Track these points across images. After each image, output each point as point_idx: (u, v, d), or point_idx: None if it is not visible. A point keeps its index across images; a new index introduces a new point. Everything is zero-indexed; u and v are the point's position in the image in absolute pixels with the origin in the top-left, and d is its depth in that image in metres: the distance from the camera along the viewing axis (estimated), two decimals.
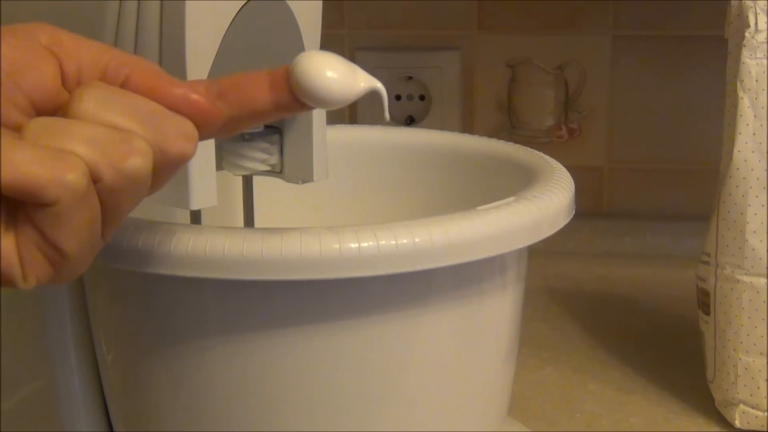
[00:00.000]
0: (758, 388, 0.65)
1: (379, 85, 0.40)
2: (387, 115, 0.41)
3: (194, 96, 0.37)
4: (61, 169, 0.32)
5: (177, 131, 0.36)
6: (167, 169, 0.36)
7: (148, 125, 0.35)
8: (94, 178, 0.34)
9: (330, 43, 1.02)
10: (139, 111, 0.35)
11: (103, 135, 0.34)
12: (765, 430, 0.66)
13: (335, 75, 0.38)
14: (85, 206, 0.33)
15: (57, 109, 0.36)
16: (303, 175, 0.53)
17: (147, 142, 0.35)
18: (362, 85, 0.39)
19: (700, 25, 0.98)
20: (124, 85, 0.36)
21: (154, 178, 0.36)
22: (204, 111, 0.37)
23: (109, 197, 0.34)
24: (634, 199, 1.03)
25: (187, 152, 0.36)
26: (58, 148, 0.33)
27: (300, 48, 0.51)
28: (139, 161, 0.34)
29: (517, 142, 0.62)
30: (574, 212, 0.52)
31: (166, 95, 0.37)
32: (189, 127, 0.37)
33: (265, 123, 0.39)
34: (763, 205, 0.64)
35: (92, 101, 0.35)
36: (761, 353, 0.65)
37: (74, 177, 0.32)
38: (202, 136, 0.37)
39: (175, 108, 0.37)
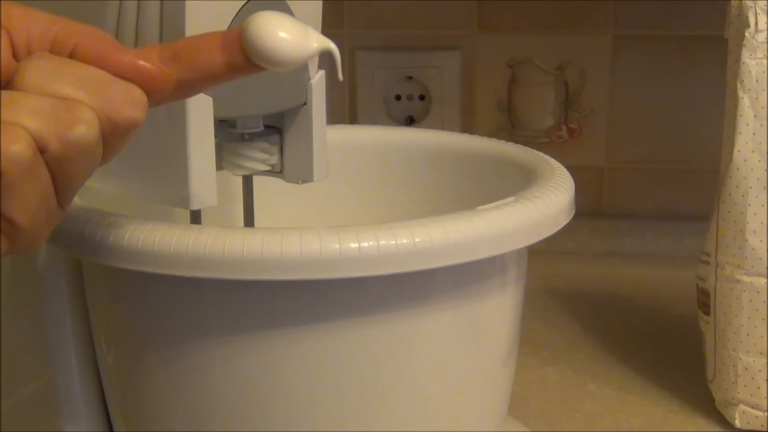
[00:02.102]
0: (758, 388, 0.65)
1: (332, 46, 0.40)
2: (340, 75, 0.41)
3: (141, 62, 0.37)
4: (5, 142, 0.33)
5: (124, 98, 0.36)
6: (117, 136, 0.37)
7: (94, 93, 0.35)
8: (41, 149, 0.34)
9: None
10: (84, 79, 0.36)
11: (48, 105, 0.34)
12: (765, 430, 0.66)
13: (287, 36, 0.38)
14: (33, 177, 0.34)
15: (8, 81, 0.36)
16: (303, 175, 0.53)
17: (93, 109, 0.35)
18: (315, 45, 0.39)
19: (700, 25, 0.97)
20: (72, 55, 0.37)
21: (106, 146, 0.36)
22: (152, 77, 0.37)
23: (58, 167, 0.35)
24: (634, 199, 1.03)
25: (135, 118, 0.37)
26: (2, 120, 0.33)
27: None
28: (84, 129, 0.35)
29: (517, 142, 0.62)
30: (574, 212, 0.52)
31: (113, 63, 0.37)
32: (136, 93, 0.37)
33: (219, 84, 0.40)
34: (763, 205, 0.64)
35: (36, 72, 0.35)
36: (761, 353, 0.65)
37: (19, 148, 0.33)
38: (154, 101, 0.38)
39: (123, 75, 0.37)
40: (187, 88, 0.39)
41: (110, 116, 0.36)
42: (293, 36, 0.38)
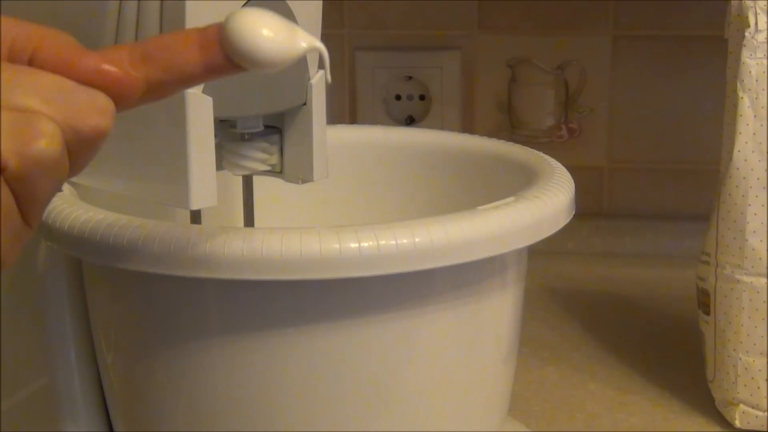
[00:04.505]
0: (758, 388, 0.65)
1: (320, 45, 0.37)
2: (329, 77, 0.39)
3: (106, 67, 0.34)
4: None
5: (88, 106, 0.33)
6: (83, 147, 0.34)
7: (55, 103, 0.33)
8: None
9: (330, 43, 1.02)
10: (44, 89, 0.33)
11: (5, 119, 0.32)
12: (765, 430, 0.66)
13: (272, 34, 0.35)
14: None
15: None
16: (303, 175, 0.53)
17: (55, 121, 0.32)
18: (303, 44, 0.36)
19: (700, 25, 0.97)
20: (31, 61, 0.34)
21: (72, 158, 0.34)
22: (118, 81, 0.34)
23: (20, 185, 0.32)
24: (634, 199, 1.03)
25: (102, 127, 0.34)
26: None
27: None
28: (45, 144, 0.32)
29: (517, 142, 0.62)
30: (574, 212, 0.52)
31: (76, 68, 0.34)
32: (102, 100, 0.34)
33: (196, 85, 0.36)
34: (763, 205, 0.64)
35: None
36: (761, 353, 0.65)
37: None
38: (122, 107, 0.35)
39: (88, 81, 0.34)
40: (160, 89, 0.36)
41: (74, 127, 0.33)
42: (278, 34, 0.36)
